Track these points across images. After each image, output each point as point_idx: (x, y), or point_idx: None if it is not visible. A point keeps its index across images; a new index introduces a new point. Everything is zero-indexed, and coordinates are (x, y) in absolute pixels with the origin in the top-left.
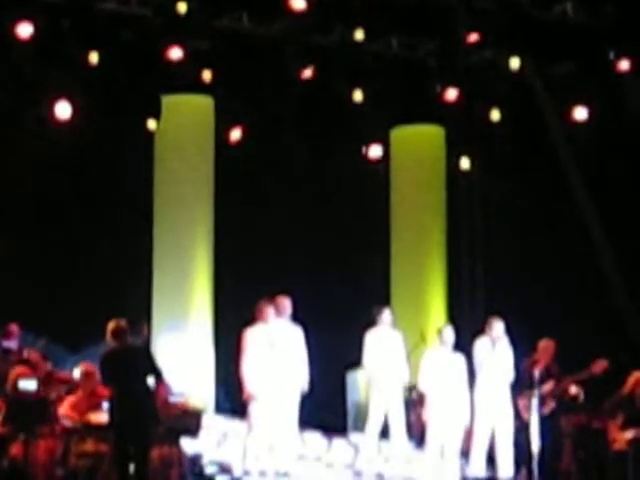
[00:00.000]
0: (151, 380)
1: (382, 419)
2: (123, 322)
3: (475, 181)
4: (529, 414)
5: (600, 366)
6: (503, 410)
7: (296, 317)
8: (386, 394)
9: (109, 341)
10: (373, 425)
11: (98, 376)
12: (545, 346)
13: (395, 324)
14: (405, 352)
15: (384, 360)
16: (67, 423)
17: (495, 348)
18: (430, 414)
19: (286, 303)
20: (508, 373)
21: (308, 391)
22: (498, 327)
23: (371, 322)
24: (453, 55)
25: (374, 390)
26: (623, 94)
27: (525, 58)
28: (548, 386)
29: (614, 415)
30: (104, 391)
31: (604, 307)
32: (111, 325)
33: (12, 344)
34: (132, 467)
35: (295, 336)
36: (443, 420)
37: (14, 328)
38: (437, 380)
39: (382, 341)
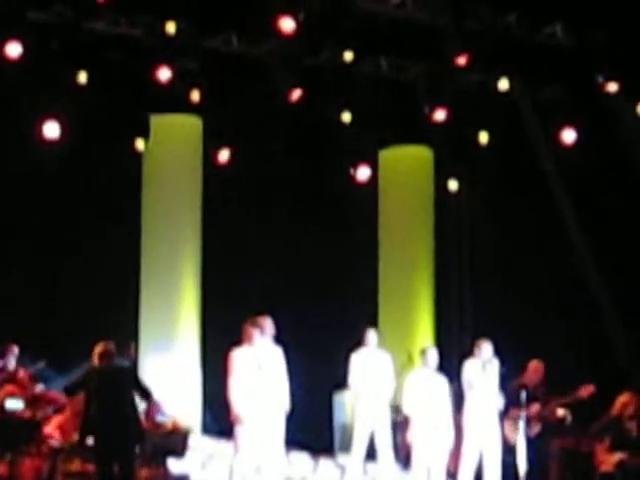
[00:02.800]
0: (140, 400)
1: (367, 440)
2: (111, 345)
3: (463, 203)
4: (515, 436)
5: (586, 391)
6: (491, 432)
7: (282, 338)
8: (372, 415)
9: (95, 362)
10: (358, 446)
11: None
12: (534, 368)
13: (382, 345)
14: (393, 373)
15: (369, 381)
16: (53, 443)
17: (485, 370)
18: (415, 436)
19: (269, 323)
20: (498, 396)
21: (295, 412)
22: (487, 349)
23: (357, 343)
24: (442, 77)
25: (359, 411)
26: (613, 117)
27: (514, 80)
28: (535, 408)
29: (601, 437)
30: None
31: (592, 329)
32: (98, 348)
33: (4, 363)
34: None
35: (277, 356)
36: (428, 442)
37: (12, 348)
38: (421, 402)
39: (367, 362)
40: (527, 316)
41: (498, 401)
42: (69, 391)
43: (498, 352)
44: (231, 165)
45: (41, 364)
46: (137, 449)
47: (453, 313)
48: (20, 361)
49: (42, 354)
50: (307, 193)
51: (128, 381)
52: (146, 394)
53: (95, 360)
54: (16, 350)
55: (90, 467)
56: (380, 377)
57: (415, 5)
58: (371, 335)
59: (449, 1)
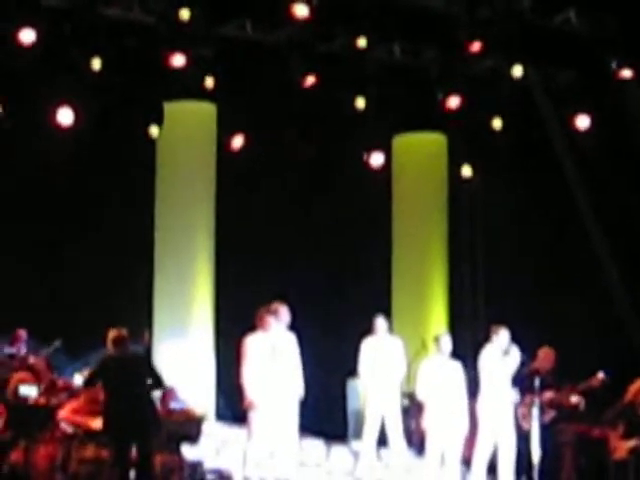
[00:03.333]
0: (155, 388)
1: (378, 426)
2: (124, 331)
3: (477, 189)
4: (529, 422)
5: (600, 377)
6: (506, 419)
7: (297, 325)
8: (382, 401)
9: (110, 349)
10: (369, 432)
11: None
12: (545, 354)
13: (394, 332)
14: (406, 360)
15: (379, 368)
16: (67, 428)
17: (504, 357)
18: (429, 422)
19: (284, 310)
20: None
21: (308, 398)
22: (505, 336)
23: (368, 331)
24: (455, 63)
25: (369, 397)
26: (625, 102)
27: (527, 66)
28: (548, 395)
29: (615, 424)
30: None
31: (606, 316)
32: (112, 334)
33: (16, 350)
34: (133, 473)
35: (292, 343)
36: (442, 428)
37: (21, 334)
38: (435, 388)
39: (377, 349)
40: (541, 302)
41: (512, 397)
42: (88, 384)
43: (513, 338)
44: (245, 151)
45: (57, 343)
46: (153, 435)
47: (466, 300)
48: (33, 346)
49: (54, 338)
50: (321, 179)
51: (143, 368)
52: (158, 382)
53: (109, 346)
54: (25, 335)
55: (104, 453)
56: (390, 363)
57: None
58: (380, 322)
59: None
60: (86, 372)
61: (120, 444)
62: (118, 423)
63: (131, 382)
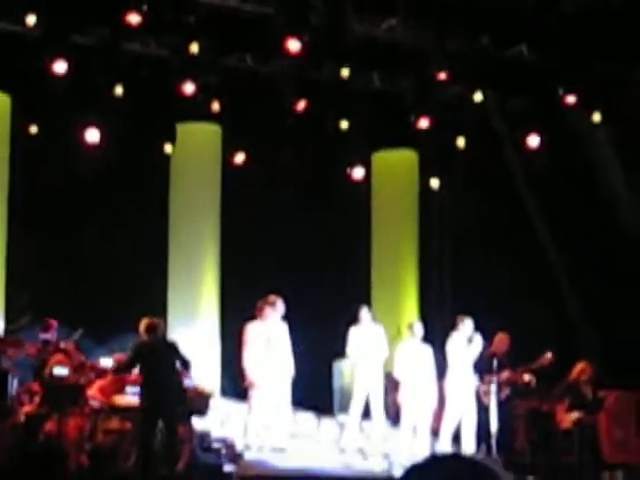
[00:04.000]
0: (186, 369)
1: (363, 402)
2: (156, 319)
3: (443, 198)
4: (488, 398)
5: (548, 357)
6: (469, 396)
7: (291, 315)
8: (368, 380)
9: (143, 335)
10: (356, 407)
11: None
12: (500, 338)
13: (375, 320)
14: (386, 344)
15: (365, 351)
16: (95, 404)
17: (468, 343)
18: (404, 397)
19: (280, 302)
20: (472, 365)
21: (300, 377)
22: (469, 324)
23: (354, 319)
24: (426, 90)
25: (357, 377)
26: (571, 124)
27: (486, 93)
28: (504, 374)
29: (561, 399)
30: (130, 377)
31: (553, 304)
32: (145, 322)
33: (49, 336)
34: (158, 441)
35: (284, 331)
36: (415, 402)
37: (52, 323)
38: (409, 368)
39: (363, 335)
40: (497, 296)
41: (473, 376)
42: (128, 368)
43: (475, 326)
44: (246, 166)
45: (78, 333)
46: (178, 409)
47: (435, 293)
48: (62, 334)
49: (81, 326)
50: (310, 190)
51: (172, 352)
52: (186, 364)
53: (142, 333)
54: (56, 324)
55: (127, 425)
56: (374, 348)
57: (403, 28)
58: (364, 312)
59: (432, 25)
60: (118, 356)
61: (151, 419)
62: (151, 401)
63: (162, 365)
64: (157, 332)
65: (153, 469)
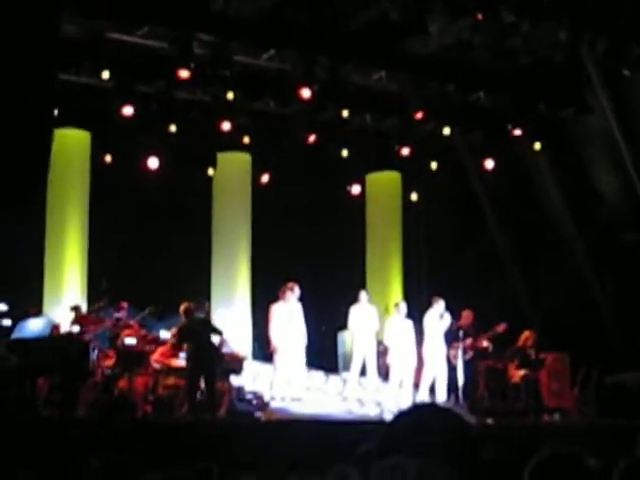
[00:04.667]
0: (216, 338)
1: (361, 363)
2: (190, 303)
3: (421, 209)
4: (456, 360)
5: (502, 327)
6: (441, 358)
7: (306, 297)
8: (364, 347)
9: (181, 316)
10: (355, 367)
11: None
12: (466, 314)
13: (370, 301)
14: (377, 320)
15: (362, 325)
16: (156, 366)
17: (439, 318)
18: (391, 359)
19: (296, 287)
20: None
21: (312, 344)
22: (441, 303)
23: (354, 300)
24: (407, 126)
25: (356, 344)
26: (518, 151)
27: (453, 128)
28: (468, 341)
29: (512, 360)
30: (183, 346)
31: (507, 288)
32: (183, 306)
33: (121, 315)
34: (200, 394)
35: (300, 310)
36: (400, 363)
37: (124, 304)
38: (395, 337)
39: (361, 313)
40: (464, 282)
41: (443, 343)
42: (180, 342)
43: (446, 306)
44: (270, 185)
45: (147, 312)
46: (217, 367)
47: (415, 280)
48: (132, 313)
49: (146, 308)
50: (319, 203)
51: (208, 327)
52: (217, 331)
53: (181, 313)
54: (126, 305)
55: (181, 382)
56: (369, 322)
57: (389, 79)
58: (363, 295)
59: (411, 77)
60: (173, 332)
61: (195, 376)
62: (195, 363)
63: (201, 337)
64: (193, 313)
65: (200, 415)
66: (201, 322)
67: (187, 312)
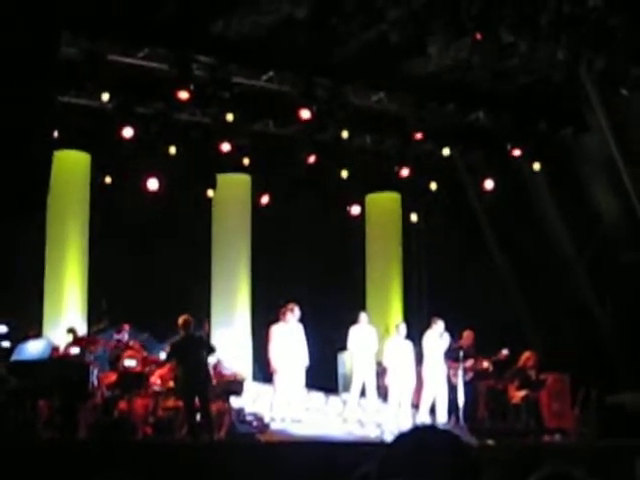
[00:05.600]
0: (211, 358)
1: (361, 384)
2: (189, 317)
3: (421, 229)
4: (456, 380)
5: (504, 354)
6: (441, 378)
7: (306, 318)
8: (363, 367)
9: (180, 329)
10: (355, 388)
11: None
12: (467, 335)
13: (370, 322)
14: (377, 340)
15: (361, 346)
16: (156, 387)
17: (438, 338)
18: (390, 380)
19: (297, 308)
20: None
21: (312, 364)
22: (440, 324)
23: (353, 321)
24: (406, 146)
25: (355, 365)
26: (517, 171)
27: (452, 148)
28: (469, 362)
29: (512, 380)
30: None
31: (507, 308)
32: (181, 319)
33: (121, 337)
34: (198, 415)
35: (300, 331)
36: (399, 384)
37: (125, 326)
38: (394, 358)
39: (360, 333)
40: (464, 302)
41: (444, 364)
42: (169, 359)
43: (446, 326)
44: (269, 205)
45: (145, 335)
46: (209, 389)
47: (415, 301)
48: (132, 335)
49: (146, 329)
50: (319, 223)
51: (203, 346)
52: (213, 350)
53: (180, 329)
54: (127, 327)
55: (180, 403)
56: (368, 343)
57: (388, 100)
58: (362, 316)
59: (410, 97)
60: (167, 349)
61: (188, 396)
62: (186, 384)
63: (194, 356)
64: (190, 327)
65: (199, 436)
66: (197, 340)
67: (185, 325)
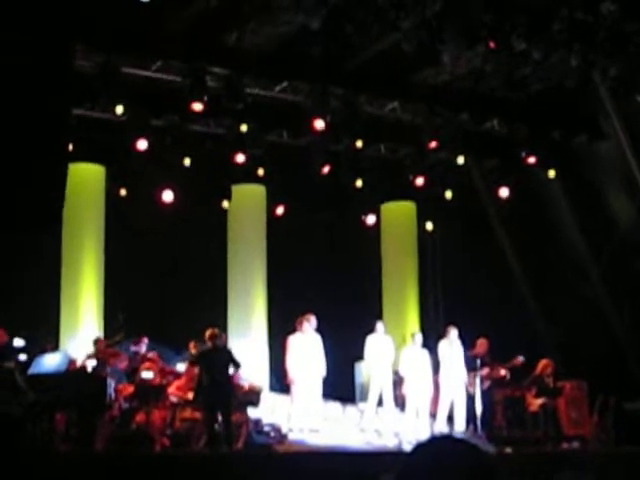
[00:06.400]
0: (232, 369)
1: (378, 393)
2: (216, 329)
3: (436, 238)
4: (474, 389)
5: (518, 361)
6: (458, 387)
7: (323, 328)
8: (381, 377)
9: (207, 341)
10: (372, 397)
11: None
12: (481, 343)
13: (386, 331)
14: (393, 350)
15: (378, 355)
16: (173, 399)
17: (452, 347)
18: (408, 389)
19: (314, 319)
20: (461, 368)
21: (330, 375)
22: (454, 333)
23: (370, 331)
24: (421, 155)
25: (372, 374)
26: (532, 179)
27: (467, 157)
28: (486, 370)
29: (530, 388)
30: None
31: (523, 316)
32: (208, 331)
33: (139, 349)
34: (218, 426)
35: (318, 341)
36: (416, 393)
37: (143, 339)
38: (411, 368)
39: (377, 343)
40: (480, 310)
41: (462, 372)
42: (193, 364)
43: (461, 335)
44: (285, 216)
45: (163, 347)
46: (232, 401)
47: (431, 310)
48: (150, 346)
49: (162, 341)
50: (334, 233)
51: (227, 358)
52: (237, 365)
53: (207, 339)
54: (146, 340)
55: (198, 415)
56: (385, 352)
57: (402, 109)
58: (379, 325)
59: (424, 106)
60: (193, 353)
61: (211, 410)
62: (211, 394)
63: (219, 366)
64: (217, 339)
65: (217, 448)
66: (223, 351)
67: (212, 337)
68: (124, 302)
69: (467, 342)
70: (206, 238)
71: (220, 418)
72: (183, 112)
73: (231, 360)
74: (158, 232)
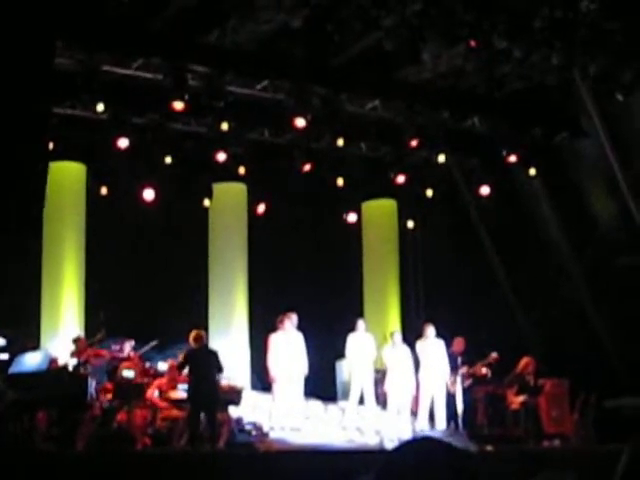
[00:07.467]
0: (219, 372)
1: (360, 392)
2: (201, 331)
3: (417, 236)
4: (454, 387)
5: (493, 358)
6: (438, 385)
7: (303, 326)
8: (361, 375)
9: (191, 344)
10: (353, 396)
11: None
12: (457, 341)
13: (367, 329)
14: (374, 348)
15: (360, 354)
16: (154, 398)
17: (430, 345)
18: (389, 387)
19: (295, 317)
20: (441, 361)
21: (311, 373)
22: (430, 331)
23: (351, 329)
24: (401, 154)
25: (354, 372)
26: (512, 177)
27: (448, 155)
28: (465, 369)
29: (511, 386)
30: (181, 377)
31: (503, 314)
32: (193, 333)
33: (118, 347)
34: (202, 425)
35: (299, 339)
36: (397, 391)
37: (127, 341)
38: (392, 365)
39: (358, 341)
40: (461, 309)
41: (444, 370)
42: (181, 368)
43: (441, 333)
44: (266, 214)
45: (152, 343)
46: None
47: (413, 307)
48: (133, 347)
49: (145, 339)
50: (315, 231)
51: (213, 358)
52: (220, 368)
53: (191, 342)
54: (132, 342)
55: (179, 414)
56: (366, 351)
57: (383, 107)
58: (360, 323)
59: (405, 104)
60: (179, 358)
61: (196, 409)
62: (197, 395)
63: (205, 368)
64: (202, 341)
65: (199, 446)
66: (209, 353)
67: (197, 339)
68: (105, 301)
69: (448, 340)
70: (187, 236)
71: (204, 417)
72: (164, 110)
73: (217, 363)
74: (139, 231)
